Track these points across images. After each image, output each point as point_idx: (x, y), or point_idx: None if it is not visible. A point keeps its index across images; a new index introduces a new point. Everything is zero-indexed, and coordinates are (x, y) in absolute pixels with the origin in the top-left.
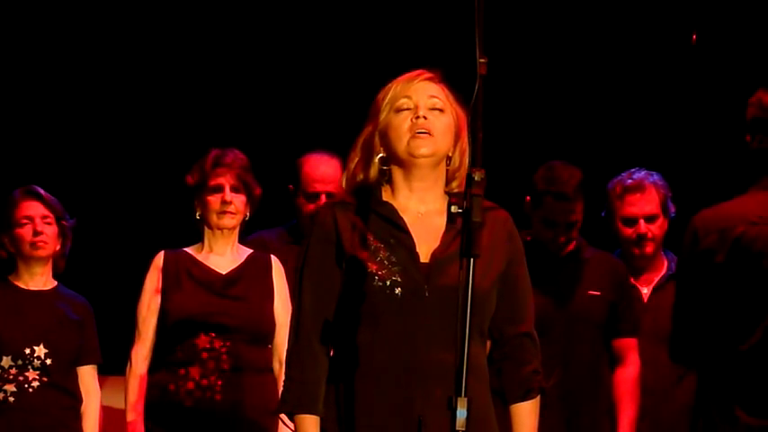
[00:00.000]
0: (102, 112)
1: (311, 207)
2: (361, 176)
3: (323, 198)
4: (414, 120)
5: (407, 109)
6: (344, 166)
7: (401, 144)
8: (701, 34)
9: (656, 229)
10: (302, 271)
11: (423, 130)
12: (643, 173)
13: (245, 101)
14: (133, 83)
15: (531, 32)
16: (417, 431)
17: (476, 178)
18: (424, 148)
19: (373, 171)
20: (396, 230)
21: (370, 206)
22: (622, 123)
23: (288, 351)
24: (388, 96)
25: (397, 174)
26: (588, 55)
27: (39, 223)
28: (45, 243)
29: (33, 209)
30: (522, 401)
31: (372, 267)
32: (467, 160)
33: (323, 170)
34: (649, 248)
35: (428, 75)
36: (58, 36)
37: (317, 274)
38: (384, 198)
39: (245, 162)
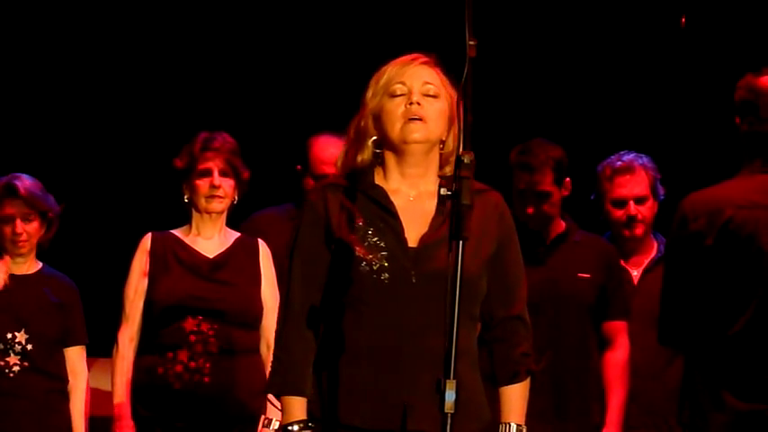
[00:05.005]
0: (89, 94)
1: None
2: (354, 158)
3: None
4: (407, 106)
5: (402, 94)
6: None
7: (394, 129)
8: (689, 17)
9: (646, 210)
10: (292, 253)
11: (416, 117)
12: (632, 155)
13: (234, 83)
14: (122, 65)
15: (521, 15)
16: (402, 418)
17: (465, 161)
18: (416, 133)
19: (366, 153)
20: (385, 214)
21: (361, 189)
22: (612, 106)
23: (276, 333)
24: (383, 80)
25: (390, 158)
26: (578, 38)
27: (19, 224)
28: (25, 241)
29: (14, 207)
30: (512, 384)
31: (360, 251)
32: None
33: (331, 152)
34: (639, 230)
35: (423, 59)
36: (46, 19)
37: (306, 256)
38: (376, 181)
39: (234, 146)
